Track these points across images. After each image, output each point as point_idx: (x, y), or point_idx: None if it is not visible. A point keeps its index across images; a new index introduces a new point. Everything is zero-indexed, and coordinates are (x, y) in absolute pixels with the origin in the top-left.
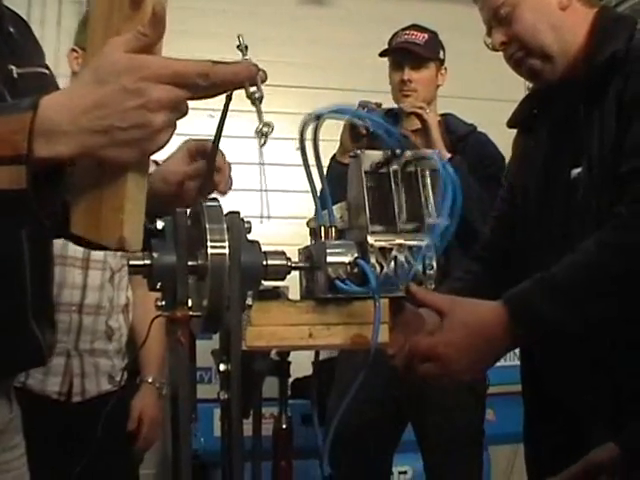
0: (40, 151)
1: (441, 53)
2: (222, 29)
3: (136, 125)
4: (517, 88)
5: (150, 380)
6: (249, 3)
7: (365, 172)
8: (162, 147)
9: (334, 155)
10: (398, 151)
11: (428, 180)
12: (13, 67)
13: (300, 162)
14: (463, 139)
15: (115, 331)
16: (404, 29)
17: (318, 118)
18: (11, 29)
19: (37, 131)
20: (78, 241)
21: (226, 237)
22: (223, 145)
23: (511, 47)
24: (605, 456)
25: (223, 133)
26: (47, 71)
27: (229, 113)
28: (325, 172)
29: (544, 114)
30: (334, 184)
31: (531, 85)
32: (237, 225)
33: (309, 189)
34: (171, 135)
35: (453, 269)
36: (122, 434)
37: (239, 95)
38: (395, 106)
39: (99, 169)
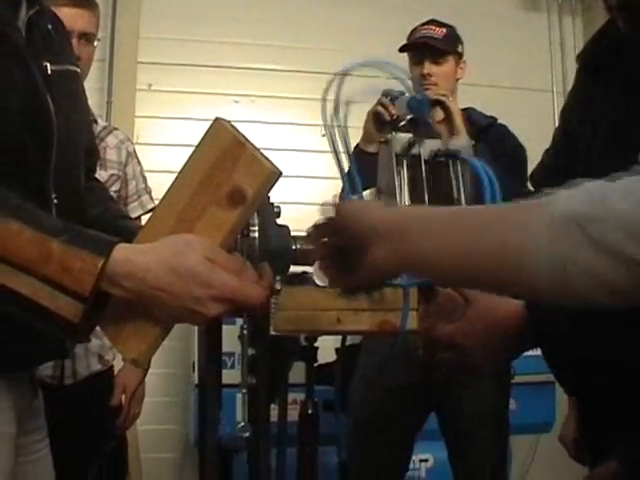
0: (100, 289)
1: (460, 47)
2: (238, 14)
3: (187, 319)
4: (542, 77)
5: None
6: None
7: (396, 155)
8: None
9: (357, 144)
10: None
11: (459, 168)
12: (47, 63)
13: (326, 149)
14: (484, 131)
15: None
16: (423, 24)
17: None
18: (49, 26)
19: (104, 275)
20: None
21: (256, 221)
22: (250, 132)
23: None
24: (606, 472)
25: (248, 118)
26: (78, 69)
27: (249, 97)
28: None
29: (617, 60)
30: (359, 173)
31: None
32: (267, 209)
33: (338, 175)
34: None
35: None
36: (108, 412)
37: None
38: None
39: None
